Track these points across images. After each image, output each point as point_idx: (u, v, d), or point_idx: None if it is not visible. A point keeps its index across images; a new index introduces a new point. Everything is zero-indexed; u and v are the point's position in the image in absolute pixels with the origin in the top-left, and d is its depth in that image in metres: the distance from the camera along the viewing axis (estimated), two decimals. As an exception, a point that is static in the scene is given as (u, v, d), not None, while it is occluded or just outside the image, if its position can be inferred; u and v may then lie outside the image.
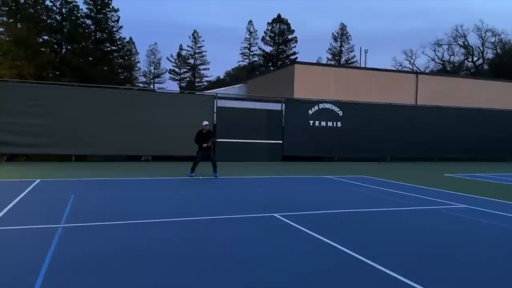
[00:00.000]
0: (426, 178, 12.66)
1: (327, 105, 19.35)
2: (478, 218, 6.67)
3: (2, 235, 4.97)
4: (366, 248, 4.69)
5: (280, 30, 61.67)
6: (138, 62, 65.54)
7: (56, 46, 39.12)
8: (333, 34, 65.01)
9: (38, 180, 9.80)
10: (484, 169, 16.70)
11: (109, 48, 43.53)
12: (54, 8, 39.33)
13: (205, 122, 11.86)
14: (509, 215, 6.97)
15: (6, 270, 3.76)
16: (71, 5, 39.86)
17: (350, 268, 4.04)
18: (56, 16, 39.67)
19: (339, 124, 19.37)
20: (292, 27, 61.83)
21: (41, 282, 3.42)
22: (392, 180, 11.91)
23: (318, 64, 39.44)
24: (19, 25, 34.25)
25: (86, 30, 41.48)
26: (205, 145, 11.47)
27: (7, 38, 31.52)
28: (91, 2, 41.80)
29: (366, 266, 4.07)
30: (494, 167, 18.46)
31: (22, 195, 7.68)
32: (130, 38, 59.56)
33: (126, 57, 48.20)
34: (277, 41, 62.00)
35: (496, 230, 5.89)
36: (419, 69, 56.76)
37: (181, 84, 68.79)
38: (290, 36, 61.98)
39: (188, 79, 69.44)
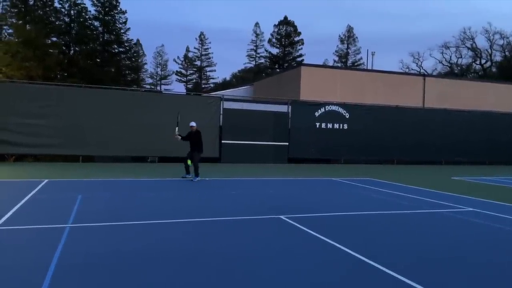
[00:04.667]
0: (433, 181, 12.58)
1: (333, 107, 19.31)
2: (485, 221, 6.62)
3: (10, 235, 5.02)
4: (372, 250, 4.67)
5: (287, 32, 61.65)
6: (145, 63, 65.80)
7: (64, 48, 39.46)
8: (339, 36, 64.84)
9: (45, 180, 9.88)
10: (492, 173, 16.56)
11: (116, 50, 43.83)
12: (63, 10, 39.69)
13: (192, 123, 11.76)
14: (517, 219, 6.91)
15: (14, 270, 3.80)
16: (79, 7, 40.21)
17: (356, 270, 4.03)
18: (65, 18, 40.03)
19: (345, 126, 19.32)
20: (299, 29, 61.83)
21: (49, 282, 3.45)
22: (399, 183, 11.85)
23: (324, 66, 39.34)
24: (28, 26, 34.61)
25: (94, 32, 41.77)
26: (178, 137, 11.52)
27: (16, 40, 31.83)
28: (99, 4, 42.11)
29: (372, 268, 4.06)
30: (502, 170, 18.29)
31: (30, 195, 7.75)
32: (138, 40, 59.72)
33: (133, 59, 48.46)
34: (283, 43, 61.97)
35: (502, 233, 5.84)
36: (427, 72, 56.38)
37: (188, 86, 68.99)
38: (296, 38, 61.92)
39: (194, 80, 69.62)
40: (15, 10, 35.30)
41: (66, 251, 4.33)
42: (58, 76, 35.11)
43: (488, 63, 56.52)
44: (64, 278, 3.57)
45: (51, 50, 35.71)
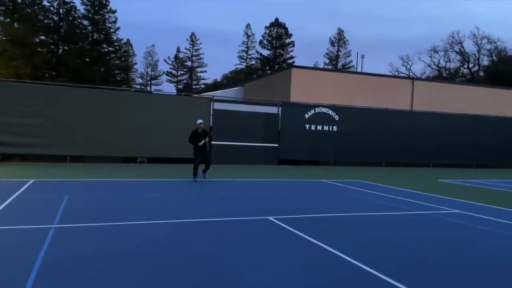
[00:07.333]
0: (421, 184, 12.71)
1: (323, 109, 19.40)
2: (471, 223, 6.71)
3: (-6, 235, 4.94)
4: (358, 251, 4.71)
5: (278, 34, 61.82)
6: (135, 63, 65.46)
7: (53, 47, 38.94)
8: (330, 39, 65.30)
9: (32, 180, 9.75)
10: (478, 175, 16.79)
11: (106, 49, 43.38)
12: (52, 8, 39.14)
13: (200, 121, 11.25)
14: (502, 220, 7.02)
15: (-3, 270, 3.74)
16: (68, 5, 39.70)
17: (342, 271, 4.05)
18: (53, 16, 39.50)
19: (335, 128, 19.42)
20: (290, 31, 62.09)
21: (33, 282, 3.41)
22: (387, 185, 11.95)
23: (315, 68, 39.54)
24: (16, 25, 34.12)
25: (83, 31, 41.31)
26: (201, 143, 10.91)
27: (4, 38, 31.38)
28: (89, 3, 41.69)
29: (358, 269, 4.08)
30: (489, 173, 18.56)
31: (15, 195, 7.64)
32: (128, 40, 59.44)
33: (123, 59, 48.02)
34: (274, 45, 62.12)
35: (488, 235, 5.93)
36: (415, 75, 57.09)
37: (178, 86, 68.75)
38: (287, 40, 62.14)
39: (185, 81, 69.39)
40: (3, 8, 34.75)
41: (50, 251, 4.28)
42: (47, 75, 34.67)
43: (476, 67, 57.40)
44: (49, 278, 3.53)
45: (39, 49, 35.21)
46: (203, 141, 11.01)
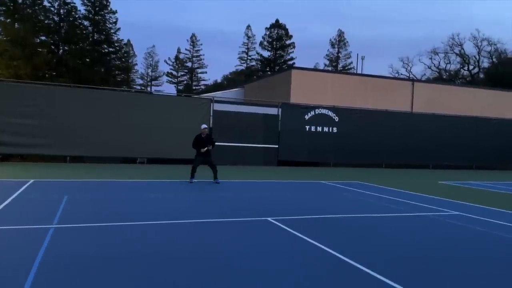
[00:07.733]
0: (420, 185, 12.71)
1: (323, 111, 19.41)
2: (470, 225, 6.71)
3: (-6, 235, 4.94)
4: (356, 252, 4.71)
5: (278, 35, 61.89)
6: (136, 64, 65.57)
7: (53, 47, 38.99)
8: (330, 40, 65.36)
9: (31, 181, 9.75)
10: (478, 177, 16.79)
11: (106, 50, 43.43)
12: (52, 9, 39.20)
13: (204, 126, 11.27)
14: (501, 222, 7.02)
15: (-3, 270, 3.74)
16: (69, 6, 39.76)
17: (341, 273, 4.06)
18: (54, 17, 39.56)
19: (334, 129, 19.42)
20: (290, 33, 62.16)
21: (31, 281, 3.41)
22: (386, 186, 11.95)
23: (315, 69, 39.57)
24: (16, 25, 34.18)
25: (84, 31, 41.37)
26: (204, 149, 10.93)
27: (5, 38, 31.42)
28: (89, 4, 41.76)
29: (354, 269, 4.09)
30: (489, 175, 18.56)
31: (15, 195, 7.64)
32: (128, 40, 59.53)
33: (123, 59, 48.09)
34: (275, 46, 62.17)
35: (487, 237, 5.93)
36: (416, 77, 57.10)
37: (178, 87, 68.81)
38: (288, 42, 62.21)
39: (185, 82, 69.47)
40: (3, 8, 34.80)
41: (50, 251, 4.28)
42: (47, 75, 34.70)
43: (476, 69, 57.46)
44: (48, 278, 3.53)
45: (40, 49, 35.25)
46: (206, 148, 11.01)
